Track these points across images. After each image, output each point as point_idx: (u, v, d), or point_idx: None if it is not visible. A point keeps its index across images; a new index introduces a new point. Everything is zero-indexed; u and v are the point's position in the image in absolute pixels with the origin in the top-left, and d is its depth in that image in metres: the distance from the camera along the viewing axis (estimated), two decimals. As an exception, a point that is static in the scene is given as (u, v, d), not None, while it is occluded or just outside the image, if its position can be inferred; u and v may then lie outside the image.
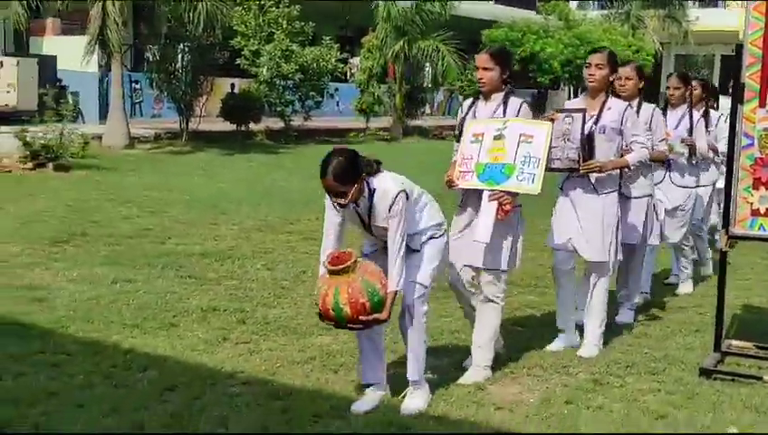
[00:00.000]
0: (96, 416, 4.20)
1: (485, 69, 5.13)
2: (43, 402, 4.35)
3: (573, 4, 36.89)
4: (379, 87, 24.71)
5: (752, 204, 5.30)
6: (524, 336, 5.99)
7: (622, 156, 5.67)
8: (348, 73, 27.70)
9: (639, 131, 5.79)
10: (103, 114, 19.33)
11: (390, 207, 4.38)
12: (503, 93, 5.19)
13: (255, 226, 9.91)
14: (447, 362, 5.34)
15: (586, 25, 32.01)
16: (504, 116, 5.12)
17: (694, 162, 7.29)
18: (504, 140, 5.01)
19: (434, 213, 4.68)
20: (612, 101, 5.69)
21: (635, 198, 6.26)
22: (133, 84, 21.61)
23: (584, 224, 5.56)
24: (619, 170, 5.69)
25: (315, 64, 21.46)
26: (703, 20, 34.08)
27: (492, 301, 5.18)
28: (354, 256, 4.33)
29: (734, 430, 4.41)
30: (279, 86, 21.28)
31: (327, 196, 4.43)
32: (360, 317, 4.24)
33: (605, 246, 5.58)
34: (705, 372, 5.20)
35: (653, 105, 6.52)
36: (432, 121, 27.51)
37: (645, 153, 5.78)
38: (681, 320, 6.62)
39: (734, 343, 5.70)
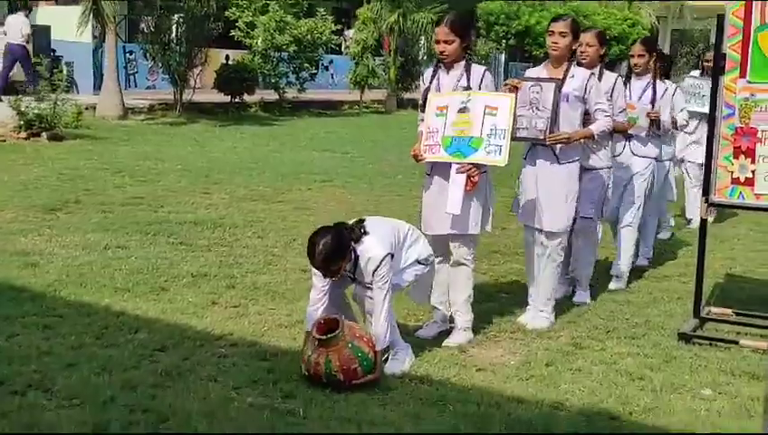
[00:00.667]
0: (87, 374, 4.31)
1: (446, 41, 5.10)
2: (35, 361, 4.46)
3: (569, -23, 36.75)
4: (374, 59, 24.67)
5: (732, 172, 5.40)
6: (508, 302, 6.11)
7: (585, 125, 5.60)
8: (342, 45, 27.68)
9: (602, 99, 5.70)
10: (97, 85, 19.32)
11: (375, 271, 4.49)
12: (464, 62, 5.20)
13: (247, 195, 9.99)
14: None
15: (582, -1, 31.94)
16: (468, 84, 5.13)
17: (657, 134, 7.01)
18: (469, 113, 5.04)
19: (421, 249, 4.84)
20: (575, 69, 5.61)
21: (594, 169, 6.05)
22: (127, 55, 21.58)
23: (545, 194, 5.52)
24: (582, 141, 5.66)
25: (310, 36, 21.45)
26: (699, -6, 34.01)
27: (463, 264, 5.24)
28: (341, 322, 4.42)
29: (709, 392, 4.53)
30: (273, 58, 21.27)
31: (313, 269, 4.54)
32: (354, 382, 4.32)
33: (565, 215, 5.56)
34: (684, 337, 5.33)
35: (615, 74, 6.34)
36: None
37: (609, 122, 5.69)
38: (664, 288, 6.74)
39: (714, 309, 5.83)
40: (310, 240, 4.43)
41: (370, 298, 4.53)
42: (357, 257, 4.53)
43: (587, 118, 5.63)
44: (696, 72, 9.72)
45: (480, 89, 5.14)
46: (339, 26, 24.34)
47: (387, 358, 4.71)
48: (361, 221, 4.62)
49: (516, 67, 35.10)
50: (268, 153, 14.09)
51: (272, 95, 21.69)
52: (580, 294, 6.28)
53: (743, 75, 5.32)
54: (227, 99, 20.27)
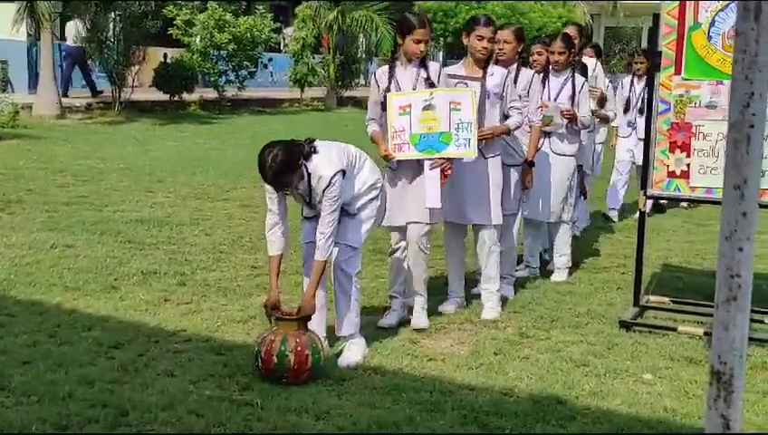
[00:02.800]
0: (44, 371, 4.34)
1: (426, 42, 5.26)
2: (-11, 360, 4.47)
3: (505, -24, 37.24)
4: (313, 57, 24.73)
5: (668, 166, 5.63)
6: (456, 295, 6.25)
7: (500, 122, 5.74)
8: (282, 43, 27.65)
9: (516, 97, 5.80)
10: (33, 84, 19.04)
11: (326, 189, 4.59)
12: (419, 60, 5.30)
13: (192, 193, 10.00)
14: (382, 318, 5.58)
15: (518, -3, 32.39)
16: (429, 79, 5.26)
17: (576, 130, 6.92)
18: (434, 109, 5.19)
19: (369, 173, 4.91)
20: (493, 67, 5.75)
21: (512, 165, 6.10)
22: (64, 54, 21.29)
23: (473, 189, 5.65)
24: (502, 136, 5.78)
25: (249, 34, 21.41)
26: (631, -8, 34.72)
27: (422, 250, 5.45)
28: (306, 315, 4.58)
29: (649, 376, 4.74)
30: (212, 56, 21.20)
31: (266, 186, 4.61)
32: (299, 369, 4.36)
33: (495, 208, 5.73)
34: (625, 325, 5.54)
35: (532, 71, 6.41)
36: (366, 92, 27.56)
37: (521, 118, 5.83)
38: (604, 279, 6.96)
39: (652, 298, 6.05)
40: (259, 156, 4.47)
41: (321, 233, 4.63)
42: (309, 176, 4.61)
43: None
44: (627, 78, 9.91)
45: (438, 84, 5.28)
46: (278, 24, 24.36)
47: (341, 351, 4.84)
48: (312, 140, 4.69)
49: (455, 64, 35.49)
50: (210, 151, 14.08)
51: (211, 93, 21.61)
52: (504, 287, 6.21)
53: (678, 72, 5.54)
54: (167, 97, 20.14)
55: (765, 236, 8.72)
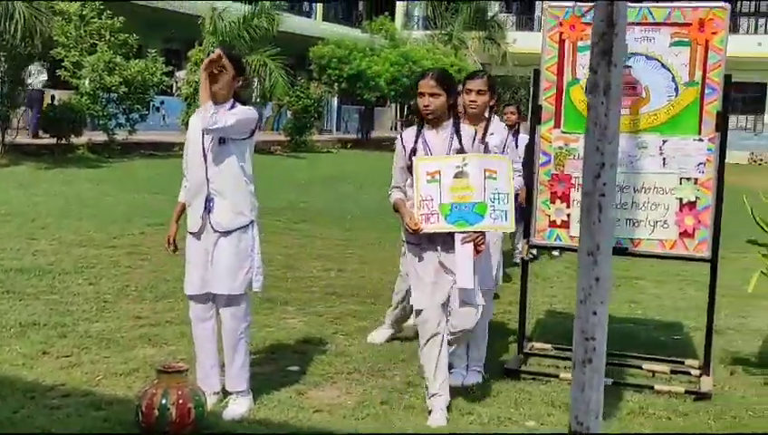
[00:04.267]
0: None
1: (432, 95, 4.77)
2: None
3: (398, 24, 37.96)
4: (207, 101, 24.52)
5: (549, 216, 5.79)
6: (344, 343, 6.25)
7: None
8: (174, 87, 27.38)
9: (516, 158, 5.71)
10: None
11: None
12: (452, 121, 4.86)
13: (77, 240, 9.74)
14: (270, 369, 5.53)
15: (411, 45, 33.00)
16: (461, 147, 4.78)
17: None
18: (467, 177, 4.70)
19: (253, 198, 4.86)
20: (495, 125, 5.66)
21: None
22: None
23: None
24: None
25: (140, 77, 21.12)
26: (520, 42, 35.76)
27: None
28: (186, 368, 4.50)
29: (532, 423, 4.83)
30: (102, 99, 20.81)
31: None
32: (181, 423, 4.26)
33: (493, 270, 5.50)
34: (510, 373, 5.63)
35: (503, 125, 6.02)
36: (264, 136, 27.55)
37: (521, 182, 5.77)
38: (491, 327, 7.03)
39: (536, 344, 6.18)
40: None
41: None
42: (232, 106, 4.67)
43: None
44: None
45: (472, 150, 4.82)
46: (170, 68, 24.10)
47: (227, 403, 4.77)
48: None
49: (349, 110, 35.85)
50: (98, 196, 13.77)
51: (101, 136, 21.18)
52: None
53: (557, 126, 5.73)
54: (53, 140, 19.64)
55: (644, 283, 9.08)
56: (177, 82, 27.36)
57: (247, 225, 4.78)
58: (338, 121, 36.38)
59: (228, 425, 4.54)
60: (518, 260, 8.56)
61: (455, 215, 4.69)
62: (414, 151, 4.85)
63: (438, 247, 4.78)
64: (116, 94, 20.82)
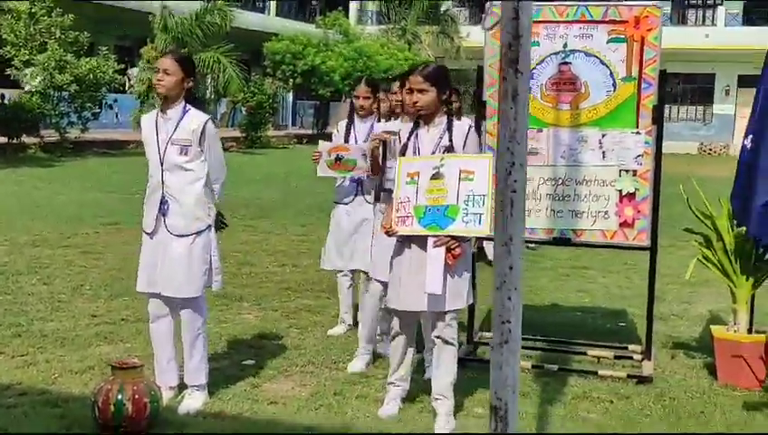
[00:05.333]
0: None
1: (420, 90, 4.62)
2: None
3: (352, 19, 38.06)
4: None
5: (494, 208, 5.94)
6: (299, 337, 6.37)
7: None
8: (127, 84, 27.22)
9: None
10: None
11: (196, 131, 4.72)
12: (445, 118, 4.73)
13: (30, 241, 9.73)
14: (225, 363, 5.63)
15: (365, 40, 33.13)
16: (451, 144, 4.65)
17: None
18: (443, 179, 4.55)
19: (211, 202, 4.90)
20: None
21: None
22: None
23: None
24: None
25: (92, 75, 20.99)
26: (473, 36, 36.01)
27: (449, 343, 4.75)
28: (141, 363, 4.58)
29: (481, 410, 4.97)
30: (53, 97, 20.66)
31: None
32: (138, 418, 4.33)
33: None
34: (460, 362, 5.75)
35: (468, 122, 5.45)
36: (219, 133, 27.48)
37: None
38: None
39: (485, 334, 6.33)
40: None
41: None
42: (185, 112, 4.75)
43: None
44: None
45: (464, 150, 4.67)
46: (122, 65, 23.97)
47: (182, 396, 4.87)
48: None
49: (304, 105, 35.87)
50: (51, 196, 13.72)
51: (53, 135, 21.02)
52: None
53: (501, 121, 5.89)
54: (4, 140, 19.46)
55: (592, 272, 9.30)
56: (129, 80, 27.22)
57: (204, 229, 4.83)
58: (293, 117, 36.41)
59: (183, 419, 4.64)
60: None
61: (428, 218, 4.56)
62: (405, 150, 4.78)
63: (415, 249, 4.66)
64: (67, 93, 20.68)
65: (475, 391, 5.28)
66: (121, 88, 26.06)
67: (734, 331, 5.61)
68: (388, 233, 4.70)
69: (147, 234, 4.87)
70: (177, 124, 4.73)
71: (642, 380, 5.48)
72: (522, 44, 1.62)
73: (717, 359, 5.57)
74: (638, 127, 5.68)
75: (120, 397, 4.36)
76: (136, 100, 24.51)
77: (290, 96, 35.06)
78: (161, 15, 23.86)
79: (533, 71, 5.81)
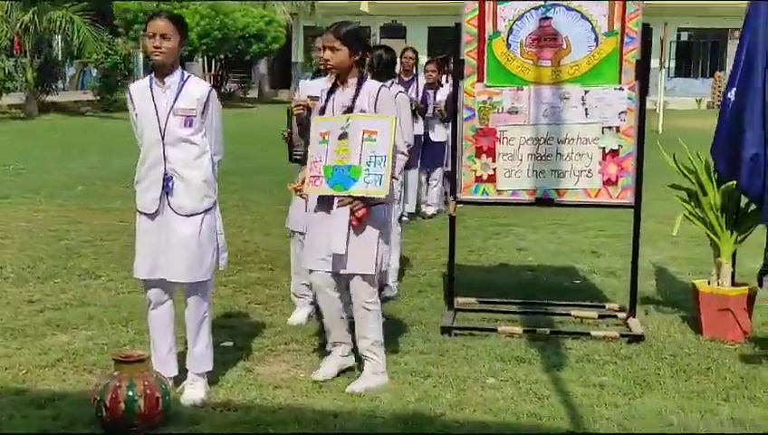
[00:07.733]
0: None
1: (331, 48, 4.53)
2: None
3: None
4: (8, 60, 22.90)
5: (475, 171, 5.75)
6: (265, 313, 6.01)
7: None
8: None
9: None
10: None
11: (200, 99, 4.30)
12: (356, 79, 4.62)
13: None
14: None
15: (220, -3, 32.06)
16: (352, 104, 4.57)
17: None
18: (348, 139, 4.51)
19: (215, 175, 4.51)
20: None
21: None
22: None
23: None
24: None
25: None
26: (328, -6, 35.57)
27: (364, 307, 4.66)
28: (147, 355, 4.19)
29: (492, 380, 4.79)
30: None
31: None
32: (150, 414, 3.96)
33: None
34: (446, 330, 5.58)
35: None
36: (69, 96, 26.06)
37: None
38: (403, 284, 6.88)
39: (460, 299, 6.15)
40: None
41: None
42: (184, 80, 4.32)
43: None
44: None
45: (375, 110, 4.55)
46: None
47: (183, 386, 4.46)
48: None
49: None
50: None
51: None
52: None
53: (480, 80, 5.68)
54: None
55: (520, 229, 9.26)
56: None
57: (211, 208, 4.41)
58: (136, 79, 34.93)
59: (193, 412, 4.24)
60: (407, 218, 8.54)
61: (335, 178, 4.52)
62: (323, 110, 4.70)
63: (326, 209, 4.63)
64: None
65: (476, 361, 5.10)
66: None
67: (718, 284, 5.65)
68: (299, 193, 4.78)
69: (146, 215, 4.37)
70: (179, 93, 4.26)
71: (634, 338, 5.44)
72: None
73: (702, 313, 5.59)
74: (620, 83, 5.59)
75: (130, 393, 3.94)
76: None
77: (141, 56, 33.55)
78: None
79: (513, 27, 5.62)
